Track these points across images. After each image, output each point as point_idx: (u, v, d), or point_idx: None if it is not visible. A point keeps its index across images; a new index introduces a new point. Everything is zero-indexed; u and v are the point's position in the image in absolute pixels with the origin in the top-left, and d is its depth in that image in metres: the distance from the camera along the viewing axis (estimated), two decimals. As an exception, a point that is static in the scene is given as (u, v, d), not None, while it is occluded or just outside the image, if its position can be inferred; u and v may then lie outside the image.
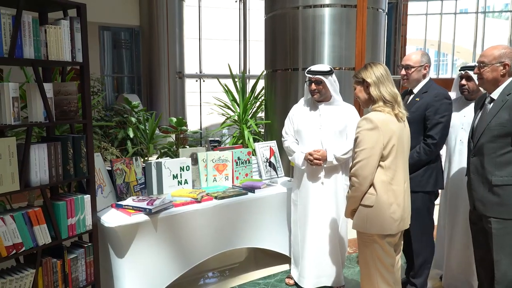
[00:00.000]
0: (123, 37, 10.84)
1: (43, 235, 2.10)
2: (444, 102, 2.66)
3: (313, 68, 2.93)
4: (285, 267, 3.43)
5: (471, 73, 2.74)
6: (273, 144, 3.60)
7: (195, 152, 3.23)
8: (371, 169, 2.09)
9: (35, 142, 2.19)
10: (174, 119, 5.34)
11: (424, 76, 2.77)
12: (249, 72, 11.29)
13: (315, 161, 2.84)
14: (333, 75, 2.94)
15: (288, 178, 3.59)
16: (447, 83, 3.44)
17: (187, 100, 10.17)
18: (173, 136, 5.60)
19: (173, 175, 3.03)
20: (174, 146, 5.15)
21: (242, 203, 3.06)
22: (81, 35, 2.23)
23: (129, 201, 2.70)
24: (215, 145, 5.19)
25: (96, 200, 2.40)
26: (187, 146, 5.65)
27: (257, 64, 11.00)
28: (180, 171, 3.07)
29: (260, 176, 3.46)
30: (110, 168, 2.81)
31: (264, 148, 3.52)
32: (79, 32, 2.22)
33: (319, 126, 2.93)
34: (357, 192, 2.14)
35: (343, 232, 3.01)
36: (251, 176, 3.45)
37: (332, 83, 2.92)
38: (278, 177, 3.54)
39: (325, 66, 2.95)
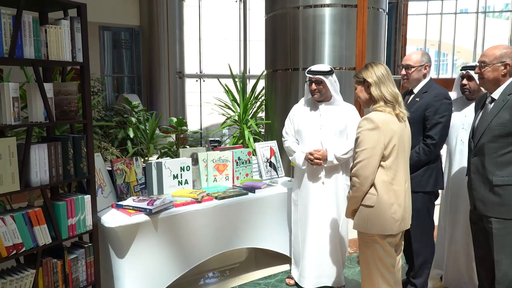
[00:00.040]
0: (123, 37, 10.84)
1: (43, 235, 2.10)
2: (444, 102, 2.66)
3: (314, 68, 2.93)
4: (285, 267, 3.43)
5: (472, 72, 2.74)
6: (273, 144, 3.59)
7: (195, 152, 3.23)
8: (372, 169, 2.08)
9: (35, 142, 2.19)
10: (174, 119, 5.34)
11: (424, 76, 2.77)
12: (249, 72, 11.28)
13: (315, 160, 2.84)
14: (334, 75, 2.93)
15: (289, 178, 3.59)
16: (447, 83, 3.44)
17: (187, 100, 10.17)
18: (173, 136, 5.60)
19: (174, 175, 3.03)
20: (174, 146, 5.15)
21: (242, 203, 3.05)
22: (81, 35, 2.22)
23: (129, 201, 2.70)
24: (215, 145, 5.18)
25: (97, 200, 2.40)
26: (187, 146, 5.65)
27: (258, 64, 10.99)
28: (181, 171, 3.07)
29: (261, 176, 3.46)
30: (110, 168, 2.81)
31: (264, 148, 3.52)
32: (79, 32, 2.22)
33: (319, 126, 2.93)
34: (358, 192, 2.13)
35: (344, 232, 3.01)
36: (252, 176, 3.45)
37: (332, 83, 2.91)
38: (278, 177, 3.54)
39: (325, 66, 2.95)
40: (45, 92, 2.10)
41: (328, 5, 4.23)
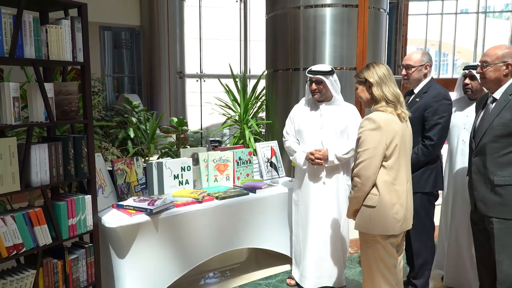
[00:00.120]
0: (124, 37, 10.85)
1: (43, 236, 2.09)
2: (443, 103, 2.64)
3: (314, 68, 2.93)
4: (286, 267, 3.43)
5: (475, 72, 2.73)
6: (274, 144, 3.59)
7: (196, 152, 3.22)
8: (374, 169, 2.08)
9: (36, 142, 2.18)
10: (175, 119, 5.34)
11: (425, 76, 2.76)
12: (250, 72, 11.28)
13: (316, 160, 2.83)
14: (334, 75, 2.93)
15: (289, 178, 3.59)
16: (447, 83, 3.42)
17: (187, 100, 10.17)
18: (174, 136, 5.60)
19: (174, 175, 3.02)
20: (175, 146, 5.15)
21: (243, 203, 3.05)
22: (82, 35, 2.22)
23: (130, 202, 2.69)
24: (216, 145, 5.18)
25: (97, 200, 2.39)
26: (188, 146, 5.65)
27: (258, 64, 10.98)
28: (181, 171, 3.06)
29: (261, 176, 3.45)
30: (111, 168, 2.80)
31: (265, 148, 3.52)
32: (80, 32, 2.21)
33: (320, 126, 2.92)
34: (360, 192, 2.13)
35: (345, 232, 3.01)
36: (252, 176, 3.45)
37: (332, 83, 2.91)
38: (279, 177, 3.53)
39: (326, 66, 2.95)
40: (45, 92, 2.09)
41: (329, 5, 4.23)
